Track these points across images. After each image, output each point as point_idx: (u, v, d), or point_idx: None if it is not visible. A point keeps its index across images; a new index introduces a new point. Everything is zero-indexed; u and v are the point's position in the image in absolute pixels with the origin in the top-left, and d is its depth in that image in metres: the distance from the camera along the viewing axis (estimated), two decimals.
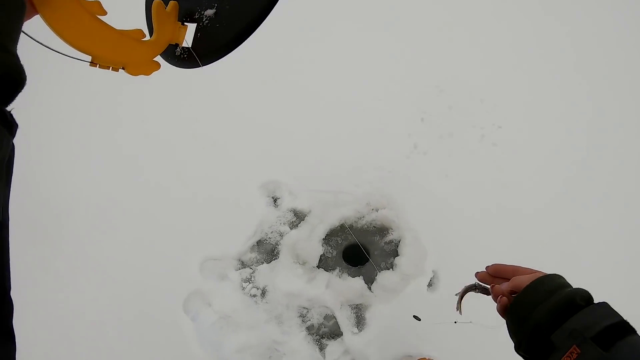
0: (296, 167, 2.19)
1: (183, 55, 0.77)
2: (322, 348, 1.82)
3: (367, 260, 1.98)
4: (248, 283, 1.91)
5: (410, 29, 2.62)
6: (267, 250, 2.00)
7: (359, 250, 2.01)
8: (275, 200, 2.13)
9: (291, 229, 2.04)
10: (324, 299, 1.85)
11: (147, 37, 0.73)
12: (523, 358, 0.63)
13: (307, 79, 2.45)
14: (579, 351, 0.53)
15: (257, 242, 2.02)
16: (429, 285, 1.90)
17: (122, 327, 1.84)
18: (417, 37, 2.61)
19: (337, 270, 1.95)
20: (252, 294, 1.89)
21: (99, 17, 0.63)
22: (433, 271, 1.93)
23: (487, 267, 0.79)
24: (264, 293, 1.90)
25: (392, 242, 2.01)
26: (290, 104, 2.38)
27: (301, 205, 2.09)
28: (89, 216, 2.09)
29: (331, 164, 2.20)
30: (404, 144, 2.31)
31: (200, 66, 0.75)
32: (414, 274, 1.90)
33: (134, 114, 2.36)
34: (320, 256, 1.97)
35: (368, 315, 1.85)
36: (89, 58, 0.64)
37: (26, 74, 0.44)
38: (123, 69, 0.69)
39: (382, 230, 2.05)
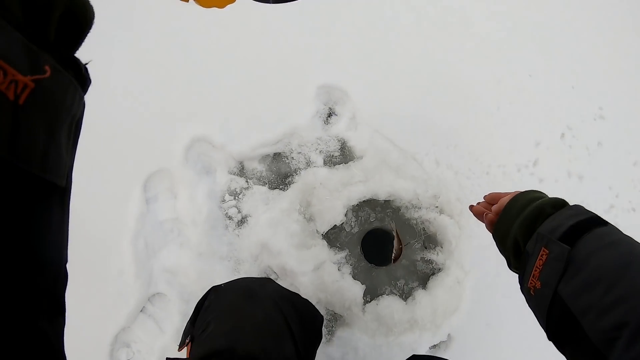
0: (386, 93, 1.50)
1: None
2: None
3: (387, 263, 1.41)
4: (232, 198, 1.34)
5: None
6: (279, 172, 1.40)
7: (385, 246, 1.42)
8: (329, 116, 1.47)
9: (325, 164, 1.42)
10: (301, 281, 1.30)
11: None
12: (517, 274, 0.61)
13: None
14: (547, 252, 0.52)
15: (273, 155, 1.41)
16: (433, 347, 1.35)
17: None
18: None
19: (343, 254, 1.37)
20: (229, 214, 1.33)
21: None
22: (449, 335, 1.35)
23: (484, 196, 0.76)
24: (242, 222, 1.34)
25: (432, 264, 1.42)
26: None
27: (356, 142, 1.44)
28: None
29: (427, 117, 1.51)
30: (523, 150, 1.61)
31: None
32: (425, 324, 1.32)
33: None
34: (336, 225, 1.38)
35: (339, 333, 1.31)
36: None
37: (93, 10, 0.33)
38: None
39: (430, 242, 1.44)
